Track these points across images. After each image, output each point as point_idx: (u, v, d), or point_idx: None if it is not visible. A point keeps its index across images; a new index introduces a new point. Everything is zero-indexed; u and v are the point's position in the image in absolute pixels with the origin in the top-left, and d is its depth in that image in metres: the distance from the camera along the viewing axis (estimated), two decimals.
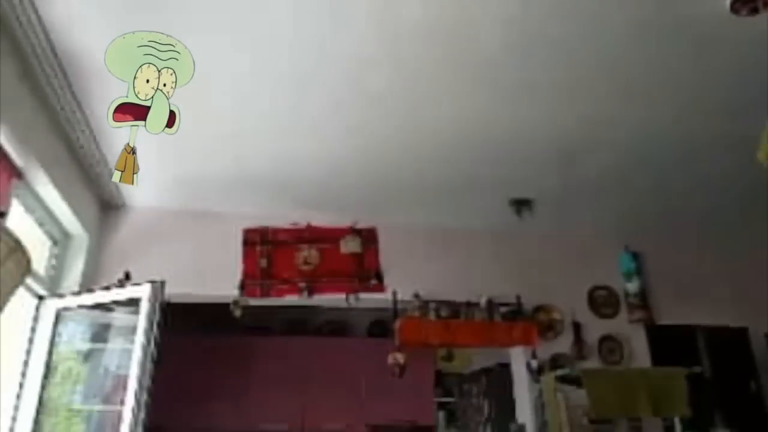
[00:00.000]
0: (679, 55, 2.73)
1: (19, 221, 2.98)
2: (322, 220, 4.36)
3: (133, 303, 3.12)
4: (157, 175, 3.68)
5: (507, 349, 4.58)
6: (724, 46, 2.65)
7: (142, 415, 2.78)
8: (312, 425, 5.79)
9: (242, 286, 4.08)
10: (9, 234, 2.39)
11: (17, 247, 2.37)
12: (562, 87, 2.97)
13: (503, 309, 4.31)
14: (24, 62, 2.56)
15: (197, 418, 5.49)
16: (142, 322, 2.99)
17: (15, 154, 2.72)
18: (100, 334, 3.48)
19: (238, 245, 4.21)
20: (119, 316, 3.36)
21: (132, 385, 2.83)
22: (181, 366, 5.35)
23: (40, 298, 3.32)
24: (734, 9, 2.34)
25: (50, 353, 3.22)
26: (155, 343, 2.94)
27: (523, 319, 4.30)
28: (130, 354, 2.96)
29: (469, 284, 4.36)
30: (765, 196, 4.01)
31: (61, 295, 3.41)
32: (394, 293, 4.23)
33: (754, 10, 2.34)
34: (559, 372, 4.00)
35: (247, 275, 4.14)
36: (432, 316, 4.19)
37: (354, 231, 4.41)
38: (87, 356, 3.46)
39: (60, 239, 3.61)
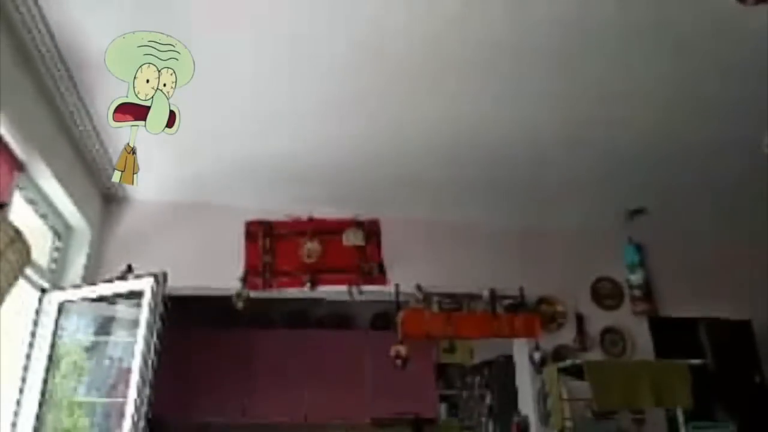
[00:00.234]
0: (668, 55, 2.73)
1: (22, 214, 2.97)
2: (324, 213, 4.35)
3: (136, 296, 3.12)
4: (159, 168, 3.67)
5: (510, 341, 4.59)
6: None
7: (144, 407, 2.78)
8: (315, 419, 5.80)
9: (244, 279, 4.08)
10: (9, 224, 2.39)
11: (17, 237, 2.37)
12: (556, 87, 2.98)
13: (506, 301, 4.31)
14: (25, 54, 2.55)
15: (199, 411, 5.51)
16: (144, 314, 2.99)
17: (16, 147, 2.71)
18: (104, 327, 3.48)
19: (241, 238, 4.21)
20: (122, 309, 3.36)
21: (135, 377, 2.83)
22: (184, 359, 5.36)
23: (43, 291, 3.32)
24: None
25: (53, 346, 3.22)
26: (157, 336, 2.94)
27: (525, 311, 4.30)
28: (134, 346, 2.96)
29: (472, 276, 4.36)
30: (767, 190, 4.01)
31: (63, 288, 3.41)
32: (397, 286, 4.22)
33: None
34: (562, 364, 4.00)
35: (249, 268, 4.13)
36: (435, 308, 4.19)
37: (356, 223, 4.39)
38: (91, 349, 3.47)
39: (62, 232, 3.61)
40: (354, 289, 4.23)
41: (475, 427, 6.02)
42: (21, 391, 3.11)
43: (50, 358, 3.19)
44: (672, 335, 4.51)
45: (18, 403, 3.08)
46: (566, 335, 4.40)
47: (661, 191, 4.22)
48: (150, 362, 2.87)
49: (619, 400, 3.72)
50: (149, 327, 2.93)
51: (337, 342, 6.00)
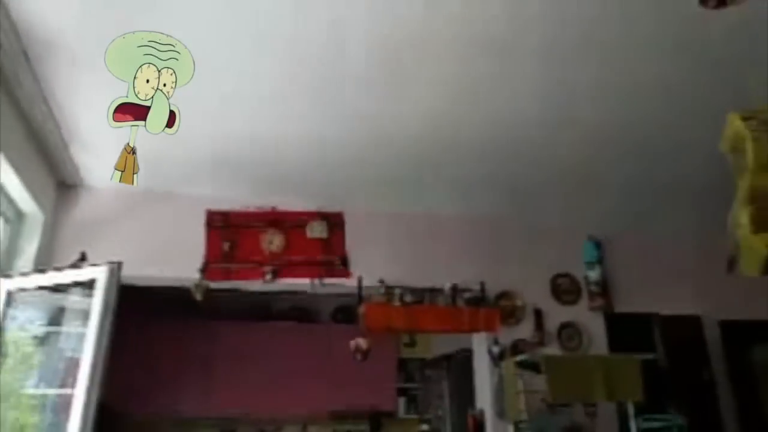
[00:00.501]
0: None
1: None
2: (286, 204, 4.31)
3: (89, 285, 3.03)
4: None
5: (470, 335, 4.64)
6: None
7: (94, 396, 2.71)
8: (275, 411, 5.79)
9: (204, 269, 4.01)
10: None
11: None
12: (533, 84, 3.03)
13: (467, 295, 4.35)
14: None
15: (159, 404, 5.43)
16: (97, 303, 2.90)
17: None
18: (56, 317, 3.37)
19: (201, 228, 4.13)
20: (76, 299, 3.26)
21: (85, 368, 2.75)
22: (145, 350, 5.28)
23: None
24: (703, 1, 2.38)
25: (0, 336, 3.10)
26: (110, 326, 2.87)
27: (486, 306, 4.36)
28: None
29: (434, 270, 4.39)
30: (722, 190, 4.12)
31: (10, 276, 3.28)
32: (360, 279, 4.22)
33: (722, 3, 2.37)
34: (519, 357, 4.07)
35: (209, 258, 4.07)
36: (396, 301, 4.20)
37: (320, 216, 4.36)
38: (43, 340, 3.36)
39: (12, 218, 3.48)
40: (316, 282, 4.22)
41: (433, 421, 6.09)
42: None
43: None
44: (626, 330, 4.63)
45: None
46: (524, 330, 4.47)
47: (626, 190, 4.32)
48: (102, 350, 2.80)
49: (574, 393, 3.81)
50: (101, 316, 2.86)
51: (299, 335, 5.99)
